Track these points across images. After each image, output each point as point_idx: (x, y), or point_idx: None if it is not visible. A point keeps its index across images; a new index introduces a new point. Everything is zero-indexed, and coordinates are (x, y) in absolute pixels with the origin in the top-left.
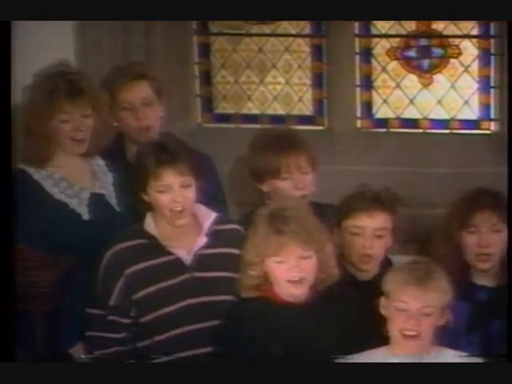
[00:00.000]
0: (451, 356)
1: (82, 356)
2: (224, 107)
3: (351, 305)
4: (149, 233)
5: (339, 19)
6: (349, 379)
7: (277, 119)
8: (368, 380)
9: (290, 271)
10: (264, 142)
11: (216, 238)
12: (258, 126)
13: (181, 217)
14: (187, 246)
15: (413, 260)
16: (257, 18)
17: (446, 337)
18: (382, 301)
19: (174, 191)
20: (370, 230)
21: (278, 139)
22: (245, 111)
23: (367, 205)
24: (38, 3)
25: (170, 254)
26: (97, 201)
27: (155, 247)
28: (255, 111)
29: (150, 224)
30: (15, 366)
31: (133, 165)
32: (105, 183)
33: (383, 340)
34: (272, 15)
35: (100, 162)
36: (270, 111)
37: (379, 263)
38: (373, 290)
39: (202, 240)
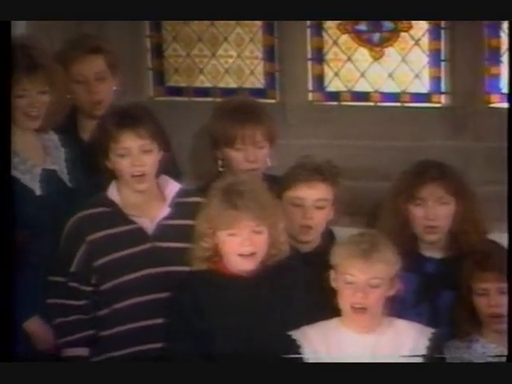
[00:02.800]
0: (402, 326)
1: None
2: (176, 80)
3: (299, 277)
4: (112, 201)
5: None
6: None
7: (229, 92)
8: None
9: (242, 245)
10: (226, 111)
11: (179, 209)
12: (210, 99)
13: (141, 181)
14: (150, 215)
15: (358, 233)
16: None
17: (394, 308)
18: (332, 274)
19: (133, 155)
20: (311, 201)
21: (240, 109)
22: (197, 84)
23: (307, 175)
24: (38, 3)
25: (132, 222)
26: (49, 176)
27: (118, 215)
28: (207, 84)
29: (113, 192)
30: (15, 366)
31: (95, 132)
32: (57, 159)
33: (335, 312)
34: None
35: (53, 137)
36: (221, 84)
37: (320, 235)
38: (316, 261)
39: (166, 210)
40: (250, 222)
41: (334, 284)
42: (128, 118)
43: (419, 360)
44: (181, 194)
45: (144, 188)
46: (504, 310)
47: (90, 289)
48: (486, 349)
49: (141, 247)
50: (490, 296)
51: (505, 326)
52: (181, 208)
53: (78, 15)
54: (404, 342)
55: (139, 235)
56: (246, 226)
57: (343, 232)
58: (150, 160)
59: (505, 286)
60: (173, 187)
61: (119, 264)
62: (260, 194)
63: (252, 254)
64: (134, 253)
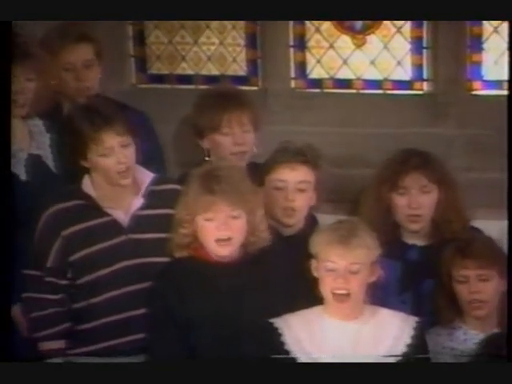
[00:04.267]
0: (386, 315)
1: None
2: (158, 68)
3: (282, 263)
4: (86, 193)
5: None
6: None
7: (211, 79)
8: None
9: (219, 229)
10: (209, 99)
11: (154, 198)
12: (192, 86)
13: (126, 177)
14: (124, 207)
15: (337, 220)
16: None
17: (377, 296)
18: (313, 263)
19: (116, 152)
20: (293, 184)
21: (223, 96)
22: (179, 72)
23: (289, 158)
24: (38, 3)
25: (106, 215)
26: (34, 162)
27: (92, 208)
28: (189, 72)
29: (87, 185)
30: (15, 366)
31: (66, 130)
32: (41, 144)
33: (318, 299)
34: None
35: (38, 123)
36: (204, 72)
37: (303, 219)
38: (299, 245)
39: (139, 201)
40: (227, 206)
41: (315, 273)
42: (100, 116)
43: (419, 358)
44: (154, 183)
45: (128, 182)
46: (484, 297)
47: (66, 282)
48: (468, 335)
49: (116, 240)
50: (470, 283)
51: (485, 312)
52: (155, 197)
53: (78, 15)
54: (388, 330)
55: (114, 228)
56: (222, 211)
57: (326, 219)
58: (131, 154)
59: (485, 272)
60: (146, 177)
61: (95, 258)
62: (238, 180)
63: (229, 239)
64: (110, 246)
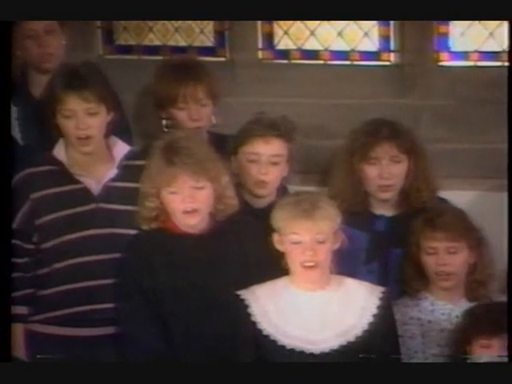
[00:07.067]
0: (352, 285)
1: None
2: (125, 39)
3: (251, 234)
4: (58, 159)
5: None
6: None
7: (178, 50)
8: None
9: (184, 202)
10: (166, 70)
11: (127, 171)
12: (159, 57)
13: (87, 144)
14: (97, 176)
15: (294, 192)
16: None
17: (345, 266)
18: (275, 237)
19: (78, 117)
20: (266, 157)
21: (180, 68)
22: (146, 43)
23: (264, 131)
24: (38, 3)
25: (78, 182)
26: None
27: (64, 174)
28: (157, 42)
29: (60, 150)
30: (15, 366)
31: (44, 90)
32: None
33: (284, 270)
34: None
35: None
36: (171, 42)
37: (275, 191)
38: (269, 216)
39: (113, 172)
40: (189, 178)
41: (278, 246)
42: (75, 79)
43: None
44: (129, 156)
45: (89, 151)
46: (451, 269)
47: (31, 247)
48: (435, 306)
49: (85, 207)
50: (438, 255)
51: (451, 284)
52: (128, 170)
53: (79, 15)
54: (355, 300)
55: (84, 195)
56: (186, 183)
57: (295, 190)
58: (96, 122)
59: (454, 245)
60: (122, 149)
61: (62, 223)
62: (197, 150)
63: (195, 210)
64: (78, 213)
